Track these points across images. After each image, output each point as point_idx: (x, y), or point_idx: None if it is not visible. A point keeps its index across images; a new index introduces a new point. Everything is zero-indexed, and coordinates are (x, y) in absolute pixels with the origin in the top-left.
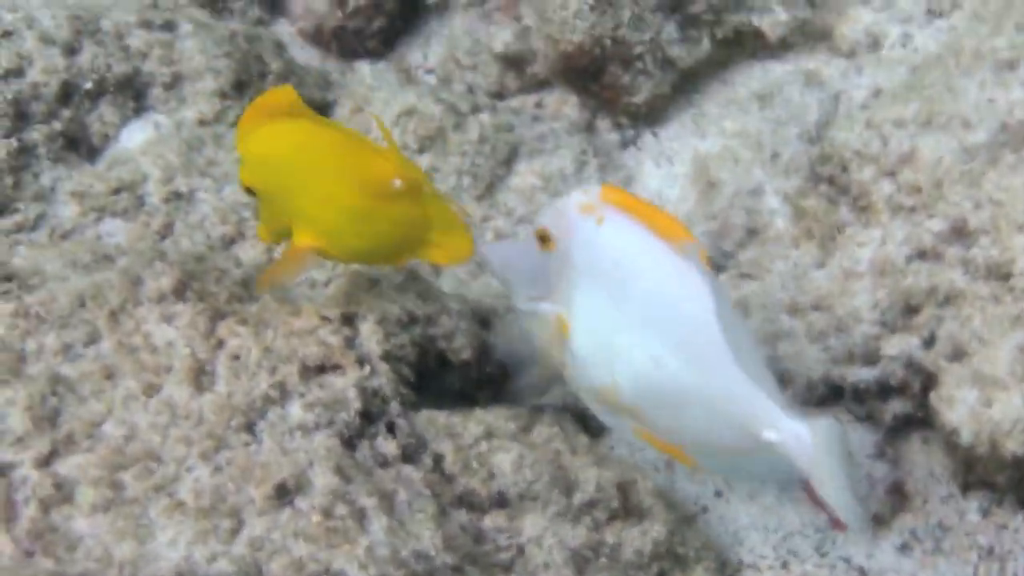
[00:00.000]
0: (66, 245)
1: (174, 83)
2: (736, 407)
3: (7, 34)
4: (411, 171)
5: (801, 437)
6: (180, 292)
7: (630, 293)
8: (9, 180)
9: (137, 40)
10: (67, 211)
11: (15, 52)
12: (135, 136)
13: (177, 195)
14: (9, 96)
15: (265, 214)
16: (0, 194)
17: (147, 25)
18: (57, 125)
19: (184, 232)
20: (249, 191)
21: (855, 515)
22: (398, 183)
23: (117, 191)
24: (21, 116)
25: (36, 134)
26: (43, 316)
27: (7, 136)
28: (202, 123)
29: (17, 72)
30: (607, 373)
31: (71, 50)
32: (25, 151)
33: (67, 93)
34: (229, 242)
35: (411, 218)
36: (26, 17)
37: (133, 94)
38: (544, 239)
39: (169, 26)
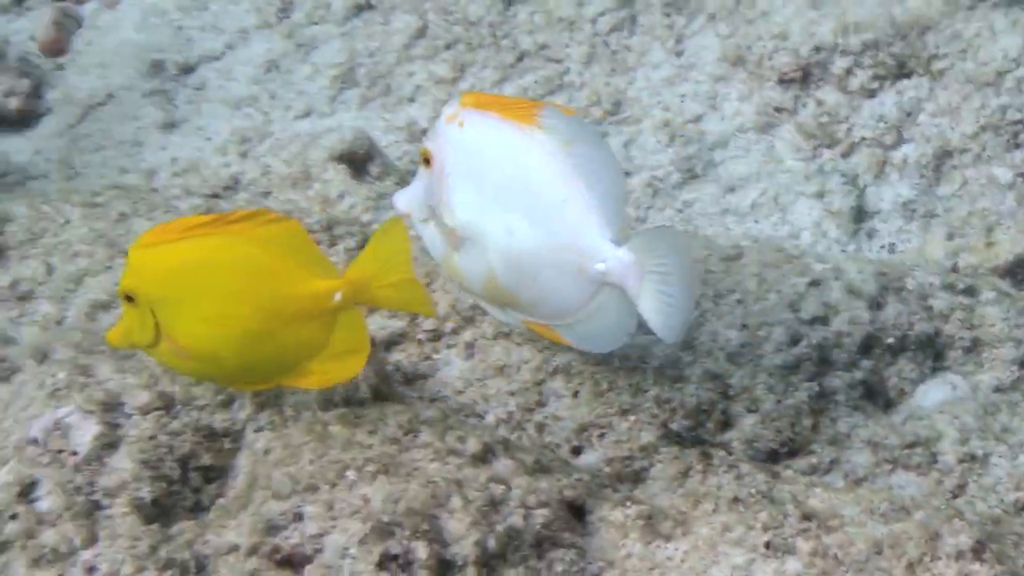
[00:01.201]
0: (862, 491)
1: (973, 347)
2: (571, 254)
3: (815, 283)
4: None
5: (623, 261)
6: (979, 552)
7: (490, 178)
8: (808, 422)
9: (940, 302)
10: (861, 458)
11: (822, 301)
12: (932, 394)
13: (971, 457)
14: (814, 341)
15: (131, 321)
16: (799, 435)
17: (950, 288)
18: (857, 374)
19: (977, 494)
20: (127, 297)
21: (666, 328)
22: (338, 296)
23: (911, 445)
24: (824, 361)
25: (837, 381)
26: (839, 559)
27: (810, 380)
28: (999, 389)
29: (823, 320)
30: (483, 262)
31: (876, 304)
32: (825, 396)
33: (869, 345)
34: (1022, 508)
35: (308, 343)
36: (835, 268)
37: (933, 353)
38: (427, 160)
39: (971, 291)
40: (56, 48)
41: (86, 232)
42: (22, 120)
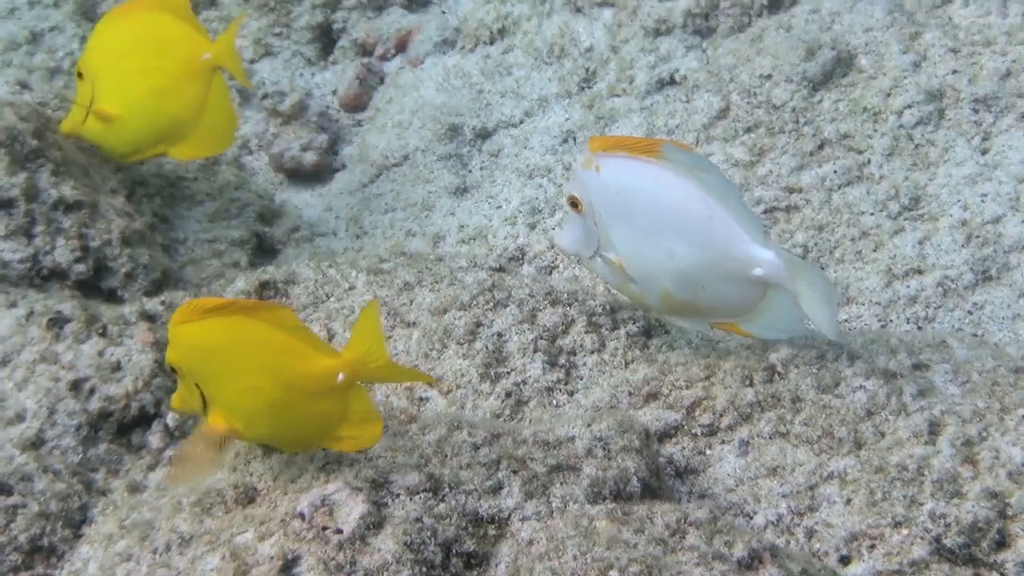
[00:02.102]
0: None
1: None
2: (729, 262)
3: None
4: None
5: (775, 263)
6: None
7: (637, 212)
8: None
9: None
10: None
11: None
12: None
13: None
14: None
15: (184, 389)
16: None
17: None
18: None
19: None
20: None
21: (829, 328)
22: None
23: None
24: None
25: None
26: None
27: None
28: None
29: None
30: (656, 285)
31: None
32: None
33: None
34: None
35: (329, 413)
36: None
37: None
38: (575, 205)
39: None
40: (357, 104)
41: (369, 299)
42: (316, 175)
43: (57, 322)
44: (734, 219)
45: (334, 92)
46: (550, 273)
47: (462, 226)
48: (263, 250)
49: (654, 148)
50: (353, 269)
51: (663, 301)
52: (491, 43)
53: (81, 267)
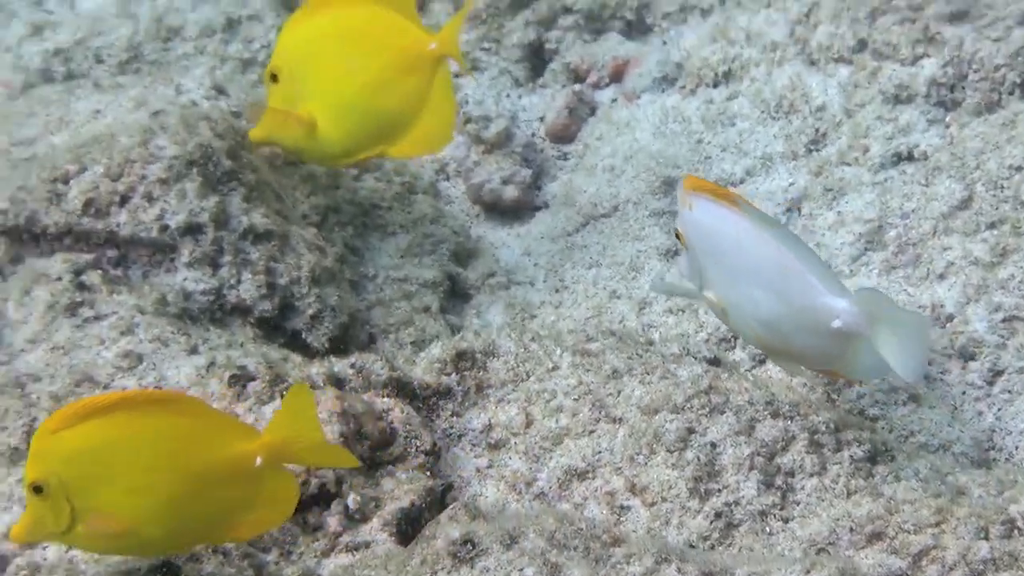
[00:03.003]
0: None
1: None
2: (807, 315)
3: None
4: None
5: (850, 311)
6: None
7: (722, 255)
8: None
9: None
10: None
11: None
12: None
13: None
14: None
15: (39, 512)
16: None
17: None
18: None
19: None
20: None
21: (906, 370)
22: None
23: None
24: None
25: None
26: None
27: None
28: None
29: None
30: (748, 327)
31: None
32: None
33: None
34: None
35: (238, 500)
36: None
37: None
38: (679, 238)
39: None
40: (564, 135)
41: (574, 384)
42: (515, 212)
43: (240, 379)
44: (808, 271)
45: (541, 119)
46: (762, 363)
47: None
48: (455, 293)
49: (732, 197)
50: (558, 347)
51: (759, 342)
52: (714, 86)
53: (266, 305)
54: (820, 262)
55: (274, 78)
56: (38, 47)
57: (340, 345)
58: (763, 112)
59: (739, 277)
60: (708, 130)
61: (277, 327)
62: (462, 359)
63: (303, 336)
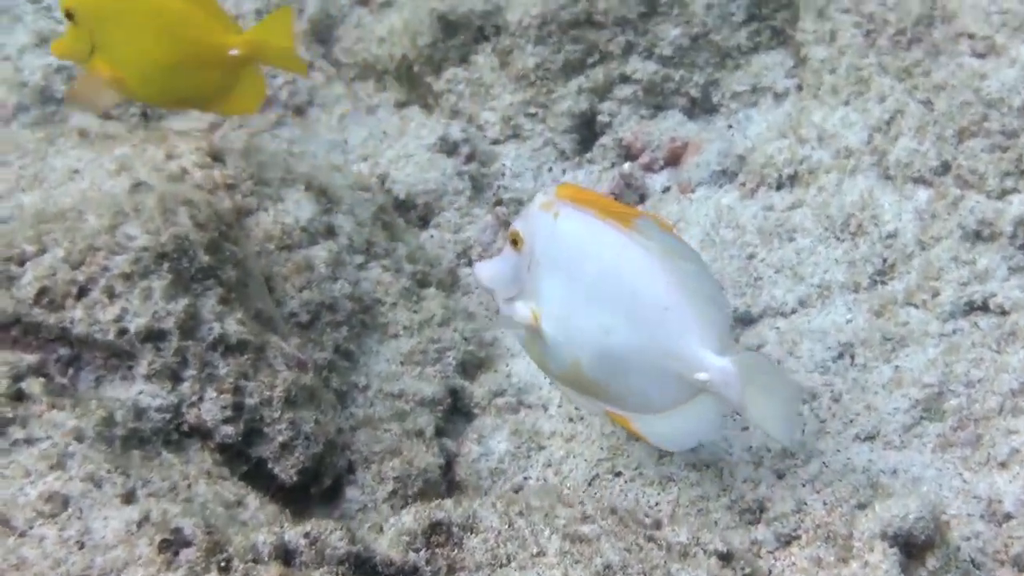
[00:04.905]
0: None
1: None
2: (672, 360)
3: None
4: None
5: (726, 371)
6: None
7: (584, 275)
8: None
9: None
10: None
11: None
12: None
13: None
14: None
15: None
16: None
17: None
18: None
19: None
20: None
21: (783, 435)
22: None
23: None
24: None
25: None
26: None
27: None
28: None
29: None
30: (570, 352)
31: None
32: None
33: None
34: None
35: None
36: None
37: None
38: (515, 241)
39: None
40: None
41: None
42: None
43: (174, 544)
44: (695, 317)
45: None
46: (787, 544)
47: (695, 447)
48: (456, 410)
49: (628, 218)
50: (547, 527)
51: (569, 373)
52: (777, 188)
53: (230, 429)
54: (715, 311)
55: (70, 17)
56: (40, 61)
57: (312, 476)
58: (826, 230)
59: (594, 302)
60: (763, 244)
61: (240, 453)
62: (436, 532)
63: (269, 466)
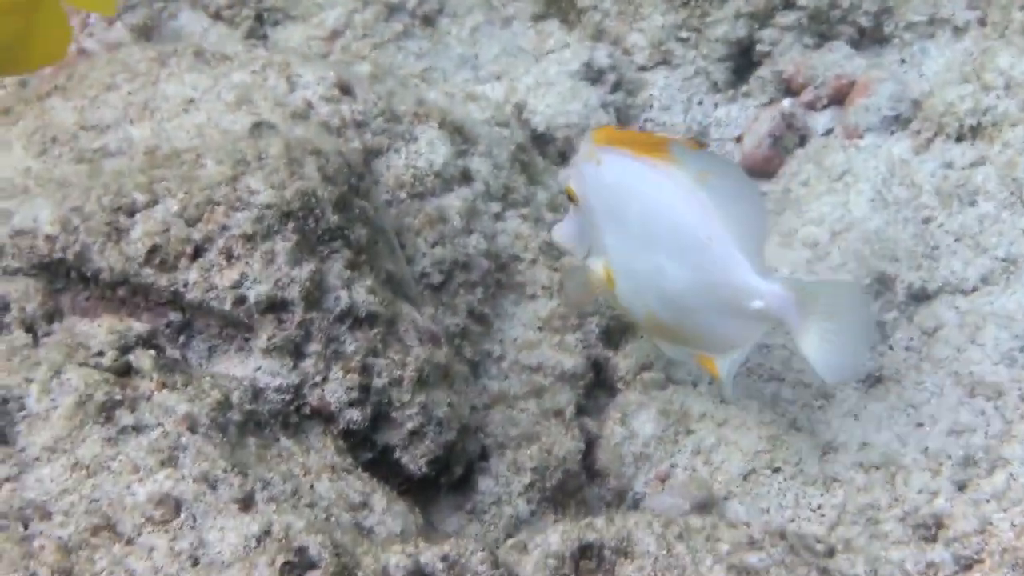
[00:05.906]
0: None
1: None
2: (724, 291)
3: None
4: None
5: (781, 297)
6: None
7: (632, 219)
8: None
9: None
10: None
11: None
12: None
13: None
14: None
15: None
16: None
17: None
18: None
19: None
20: None
21: (832, 372)
22: None
23: None
24: None
25: None
26: None
27: None
28: None
29: None
30: (641, 302)
31: None
32: None
33: None
34: None
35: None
36: None
37: None
38: (571, 197)
39: None
40: (765, 169)
41: None
42: None
43: (297, 567)
44: (737, 242)
45: (737, 139)
46: (969, 568)
47: (864, 444)
48: (599, 385)
49: (662, 147)
50: (710, 555)
51: (648, 320)
52: (957, 140)
53: (356, 414)
54: (758, 232)
55: None
56: None
57: (442, 466)
58: (1012, 194)
59: (646, 243)
60: (942, 207)
61: (366, 439)
62: (586, 555)
63: (396, 455)
